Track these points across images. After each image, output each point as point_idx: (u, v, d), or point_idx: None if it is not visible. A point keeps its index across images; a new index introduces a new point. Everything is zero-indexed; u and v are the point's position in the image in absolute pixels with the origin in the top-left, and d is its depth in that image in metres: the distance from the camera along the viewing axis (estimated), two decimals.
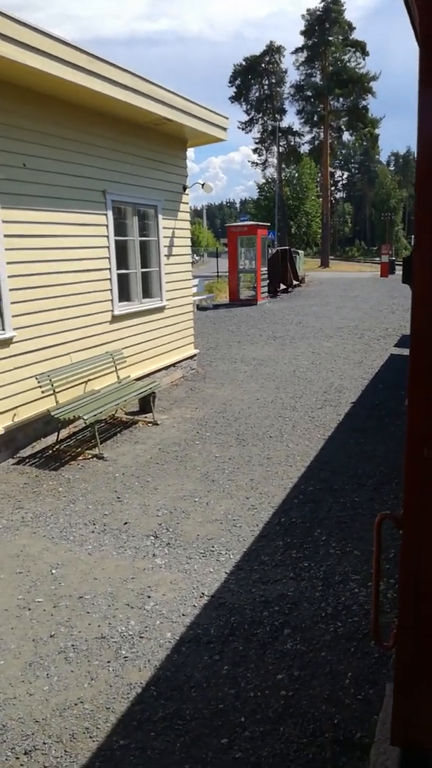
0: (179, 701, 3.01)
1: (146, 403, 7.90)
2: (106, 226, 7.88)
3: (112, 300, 8.07)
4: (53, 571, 4.19)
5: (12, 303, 6.27)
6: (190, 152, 12.67)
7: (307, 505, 5.23)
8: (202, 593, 3.92)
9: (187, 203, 10.15)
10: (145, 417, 7.80)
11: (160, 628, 3.56)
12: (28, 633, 3.53)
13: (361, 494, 5.39)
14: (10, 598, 3.88)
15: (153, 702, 3.01)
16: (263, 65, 53.24)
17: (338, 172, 73.52)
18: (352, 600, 3.82)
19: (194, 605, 3.79)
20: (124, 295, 8.57)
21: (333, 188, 66.83)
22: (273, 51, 52.87)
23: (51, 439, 6.86)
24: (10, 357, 6.29)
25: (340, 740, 2.78)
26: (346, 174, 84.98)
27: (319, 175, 54.80)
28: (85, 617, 3.67)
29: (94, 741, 2.79)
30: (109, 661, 3.29)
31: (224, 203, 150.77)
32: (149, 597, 3.87)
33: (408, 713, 2.23)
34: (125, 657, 3.32)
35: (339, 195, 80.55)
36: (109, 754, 2.72)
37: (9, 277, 6.20)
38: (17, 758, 2.70)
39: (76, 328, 7.35)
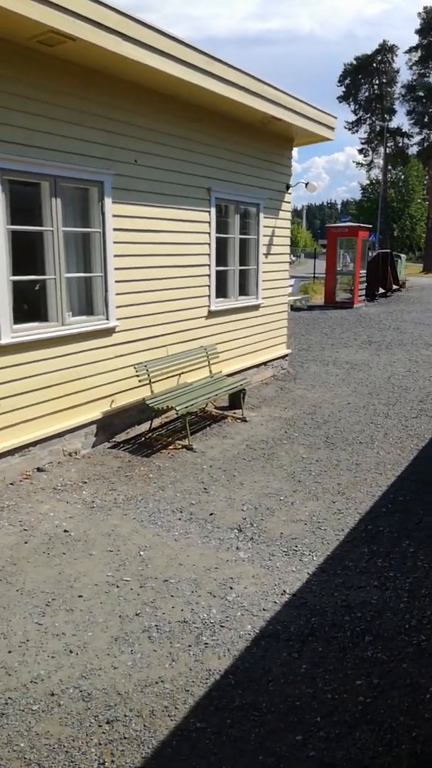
0: (256, 693, 3.05)
1: (236, 399, 7.99)
2: (209, 223, 8.02)
3: (209, 296, 8.22)
4: (141, 553, 4.35)
5: (117, 294, 6.54)
6: (294, 151, 12.52)
7: (396, 515, 5.10)
8: (284, 591, 3.94)
9: (289, 202, 10.14)
10: (234, 413, 7.88)
11: (241, 620, 3.62)
12: (116, 609, 3.69)
13: None
14: (100, 573, 4.07)
15: (230, 690, 3.07)
16: (374, 64, 51.94)
17: None
18: None
19: (275, 602, 3.82)
20: (221, 291, 8.70)
21: None
22: (385, 50, 51.42)
23: (144, 426, 7.09)
24: (112, 346, 6.57)
25: (417, 754, 2.72)
26: None
27: (427, 177, 52.80)
28: (169, 600, 3.79)
29: (172, 720, 2.89)
30: (190, 645, 3.38)
31: (325, 204, 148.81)
32: (231, 588, 3.94)
33: None
34: (206, 643, 3.40)
35: None
36: (186, 734, 2.80)
37: (116, 269, 6.47)
38: (100, 726, 2.84)
39: (174, 322, 7.54)
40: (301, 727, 2.85)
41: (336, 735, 2.81)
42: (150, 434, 6.95)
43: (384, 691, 3.08)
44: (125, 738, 2.77)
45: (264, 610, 3.73)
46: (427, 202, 52.28)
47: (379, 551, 4.48)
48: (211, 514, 5.04)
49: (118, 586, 3.93)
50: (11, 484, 5.48)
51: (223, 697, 3.02)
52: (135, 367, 6.66)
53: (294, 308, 19.45)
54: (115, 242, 6.45)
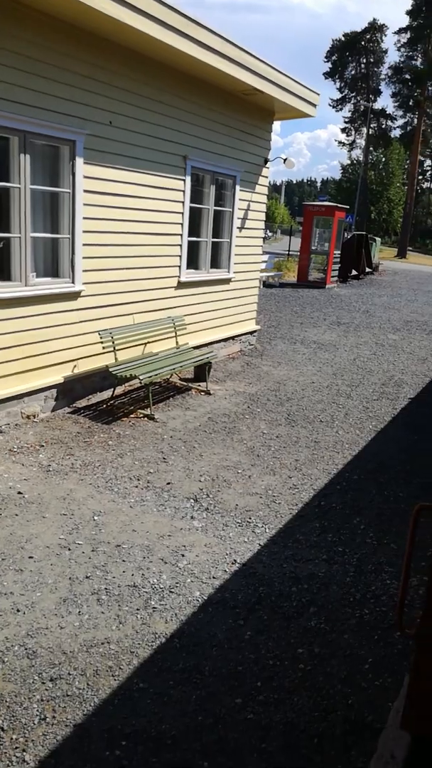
0: (200, 657, 3.12)
1: (201, 372, 7.99)
2: (183, 192, 7.91)
3: (180, 266, 8.14)
4: (95, 518, 4.36)
5: (84, 258, 6.42)
6: (276, 125, 12.19)
7: (350, 492, 5.21)
8: (235, 560, 4.00)
9: (266, 176, 10.05)
10: (199, 385, 7.89)
11: (190, 587, 3.67)
12: (66, 571, 3.70)
13: (406, 490, 5.33)
14: (52, 536, 4.07)
15: (175, 653, 3.13)
16: (363, 43, 51.45)
17: (428, 162, 70.62)
18: (383, 590, 3.82)
19: (225, 570, 3.88)
20: (192, 262, 8.62)
21: (420, 177, 64.37)
22: (375, 29, 50.97)
23: (106, 394, 7.05)
24: (76, 310, 6.47)
25: (351, 720, 2.82)
26: None
27: (407, 162, 52.96)
28: (120, 565, 3.83)
29: (115, 680, 2.93)
30: (138, 609, 3.43)
31: (305, 181, 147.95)
32: (183, 555, 3.99)
33: (422, 702, 2.24)
34: (154, 607, 3.45)
35: (426, 185, 77.52)
36: (128, 694, 2.85)
37: (84, 232, 6.35)
38: (43, 683, 2.87)
39: (142, 290, 7.46)
40: (242, 691, 2.93)
41: (275, 699, 2.90)
42: (112, 402, 6.92)
43: (324, 660, 3.18)
44: (68, 695, 2.81)
45: (214, 578, 3.79)
46: (406, 187, 52.51)
47: (330, 527, 4.58)
48: (169, 483, 5.07)
49: (69, 549, 3.94)
50: None
51: (167, 659, 3.08)
52: (99, 334, 6.59)
53: (266, 285, 19.43)
54: (84, 204, 6.31)
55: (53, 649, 3.07)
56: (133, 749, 2.57)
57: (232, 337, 9.86)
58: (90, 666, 2.99)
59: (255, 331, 10.70)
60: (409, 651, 3.23)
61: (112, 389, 7.05)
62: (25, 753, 2.50)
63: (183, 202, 7.94)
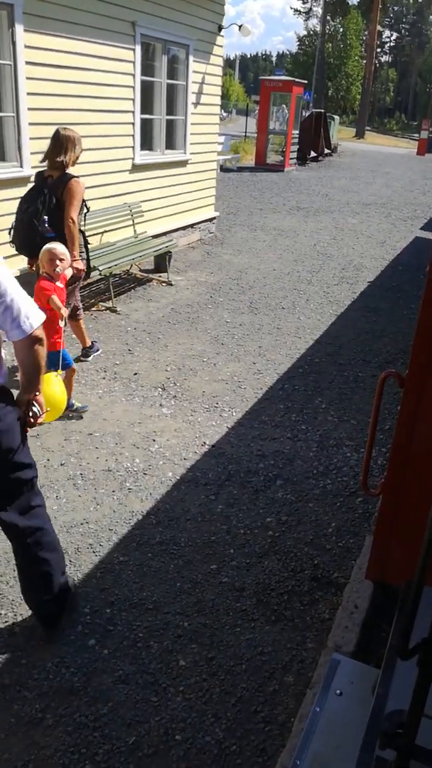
0: (175, 530, 3.30)
1: (162, 262, 7.81)
2: (133, 63, 7.32)
3: (133, 147, 7.69)
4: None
5: (31, 138, 5.99)
6: None
7: (311, 375, 5.35)
8: (204, 442, 4.15)
9: (221, 46, 9.34)
10: (160, 276, 7.74)
11: (163, 468, 3.82)
12: (40, 460, 3.77)
13: (365, 370, 5.50)
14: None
15: (152, 528, 3.30)
16: None
17: (386, 33, 66.47)
18: (344, 462, 4.04)
19: (195, 452, 4.03)
20: (147, 143, 8.15)
21: (379, 50, 60.78)
22: None
23: None
24: None
25: (317, 578, 3.08)
26: (394, 35, 76.52)
27: (366, 33, 49.73)
28: (93, 452, 3.92)
29: (96, 555, 3.10)
30: (114, 491, 3.56)
31: (259, 55, 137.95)
32: (154, 440, 4.11)
33: (383, 555, 2.46)
34: (129, 489, 3.59)
35: (384, 59, 73.49)
36: (109, 567, 3.03)
37: (29, 109, 5.88)
38: None
39: (95, 174, 7.06)
40: (216, 558, 3.14)
41: (246, 564, 3.12)
42: None
43: (291, 527, 3.41)
44: None
45: (185, 459, 3.94)
46: (364, 61, 49.70)
47: (294, 407, 4.74)
48: (136, 373, 5.10)
49: (41, 439, 4.00)
50: None
51: (144, 534, 3.26)
52: None
53: (223, 169, 18.63)
54: (28, 78, 5.79)
55: None
56: (118, 615, 2.77)
57: (192, 225, 9.57)
58: (71, 545, 3.14)
59: (214, 218, 10.39)
60: (374, 510, 3.48)
61: None
62: (15, 626, 2.67)
63: (134, 75, 7.37)
